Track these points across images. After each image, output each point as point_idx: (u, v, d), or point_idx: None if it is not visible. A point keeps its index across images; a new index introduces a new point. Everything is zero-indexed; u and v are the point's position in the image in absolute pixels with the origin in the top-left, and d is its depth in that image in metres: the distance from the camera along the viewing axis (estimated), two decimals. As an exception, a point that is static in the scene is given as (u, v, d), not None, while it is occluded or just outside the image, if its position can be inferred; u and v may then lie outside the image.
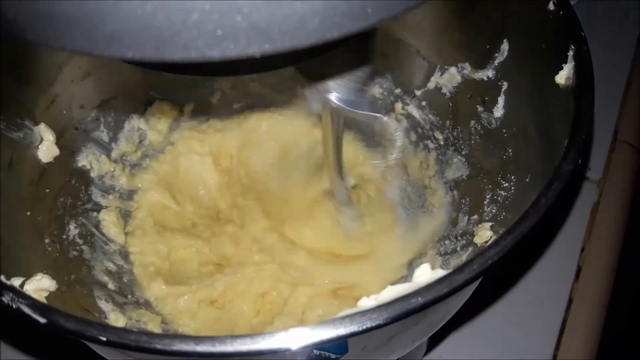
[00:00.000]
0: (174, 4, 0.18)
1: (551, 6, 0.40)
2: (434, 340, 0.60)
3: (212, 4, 0.19)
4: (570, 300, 0.65)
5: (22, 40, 0.21)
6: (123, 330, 0.25)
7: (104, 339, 0.25)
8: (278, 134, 0.62)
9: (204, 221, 0.58)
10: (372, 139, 0.62)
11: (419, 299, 0.25)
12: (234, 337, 0.24)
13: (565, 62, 0.38)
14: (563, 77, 0.38)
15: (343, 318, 0.25)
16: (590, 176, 0.73)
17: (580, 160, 0.32)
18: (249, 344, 0.24)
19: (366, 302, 0.26)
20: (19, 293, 0.27)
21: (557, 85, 0.39)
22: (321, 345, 0.25)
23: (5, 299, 0.27)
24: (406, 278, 0.52)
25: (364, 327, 0.25)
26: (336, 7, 0.20)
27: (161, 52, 0.20)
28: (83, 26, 0.19)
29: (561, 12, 0.39)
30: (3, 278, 0.29)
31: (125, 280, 0.52)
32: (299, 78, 0.36)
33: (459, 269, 0.26)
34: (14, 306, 0.26)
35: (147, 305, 0.52)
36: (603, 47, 0.83)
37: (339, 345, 0.32)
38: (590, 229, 0.69)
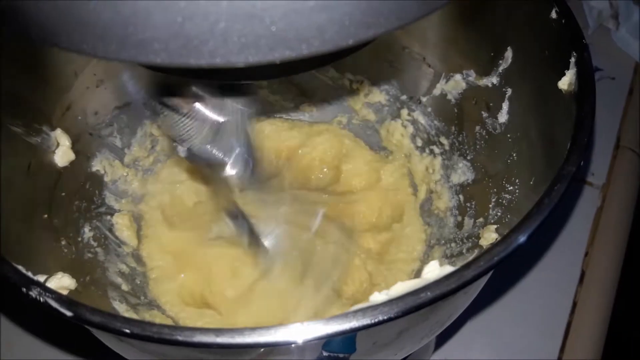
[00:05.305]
0: (202, 14, 0.20)
1: (554, 14, 0.41)
2: (441, 342, 0.61)
3: (236, 15, 0.20)
4: (574, 304, 0.65)
5: (54, 46, 0.23)
6: (146, 322, 0.26)
7: (128, 331, 0.26)
8: (282, 140, 0.64)
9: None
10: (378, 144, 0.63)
11: (428, 293, 0.26)
12: (253, 329, 0.25)
13: (568, 69, 0.39)
14: (565, 82, 0.39)
15: (356, 312, 0.26)
16: (593, 182, 0.74)
17: (582, 162, 0.33)
18: (267, 335, 0.25)
19: (377, 297, 0.27)
20: (46, 288, 0.28)
21: (560, 90, 0.40)
22: (336, 338, 0.26)
23: (33, 293, 0.28)
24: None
25: (376, 319, 0.26)
26: (352, 17, 0.21)
27: (188, 58, 0.21)
28: (116, 34, 0.21)
29: (563, 21, 0.40)
30: (30, 274, 0.30)
31: (138, 282, 0.54)
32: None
33: (466, 266, 0.28)
34: (41, 300, 0.28)
35: (159, 307, 0.53)
36: (605, 55, 0.85)
37: (348, 343, 0.33)
38: (593, 234, 0.70)
